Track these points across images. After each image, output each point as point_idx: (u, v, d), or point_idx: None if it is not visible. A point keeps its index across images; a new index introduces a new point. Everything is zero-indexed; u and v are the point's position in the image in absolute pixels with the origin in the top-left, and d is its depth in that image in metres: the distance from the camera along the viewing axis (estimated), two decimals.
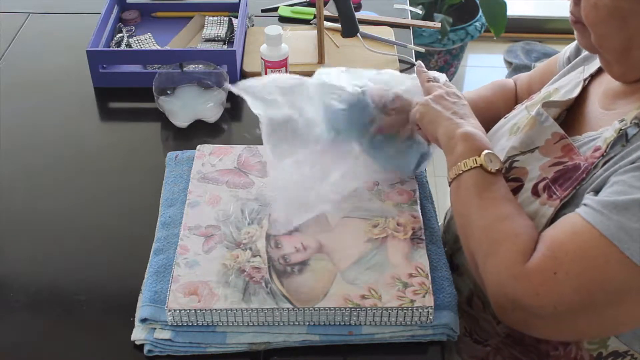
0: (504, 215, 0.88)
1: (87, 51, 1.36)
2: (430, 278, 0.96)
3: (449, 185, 0.95)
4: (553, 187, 0.89)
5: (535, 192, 0.91)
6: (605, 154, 0.85)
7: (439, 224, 1.10)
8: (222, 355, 0.92)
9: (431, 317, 0.92)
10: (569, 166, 0.89)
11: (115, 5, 1.53)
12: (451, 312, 0.95)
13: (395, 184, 1.09)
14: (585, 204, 0.83)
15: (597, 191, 0.84)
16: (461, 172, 0.92)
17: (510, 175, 0.96)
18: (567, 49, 1.13)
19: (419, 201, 1.07)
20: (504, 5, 2.71)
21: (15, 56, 1.49)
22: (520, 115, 1.03)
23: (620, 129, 0.84)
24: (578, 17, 0.87)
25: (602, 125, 0.91)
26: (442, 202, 2.33)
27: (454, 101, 1.00)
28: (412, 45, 1.49)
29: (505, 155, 0.97)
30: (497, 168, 0.91)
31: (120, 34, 1.49)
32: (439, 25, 1.63)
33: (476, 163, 0.91)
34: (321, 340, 0.93)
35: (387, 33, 1.52)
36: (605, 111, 0.93)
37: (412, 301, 0.93)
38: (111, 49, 1.44)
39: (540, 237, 0.85)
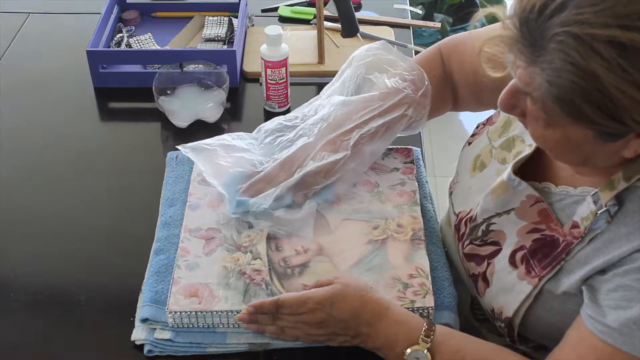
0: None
1: (87, 51, 1.36)
2: (430, 279, 0.96)
3: None
4: (532, 262, 0.86)
5: (512, 262, 0.89)
6: (585, 233, 0.81)
7: (439, 226, 1.10)
8: (222, 355, 0.92)
9: (432, 318, 0.92)
10: (547, 238, 0.86)
11: (115, 5, 1.53)
12: (451, 312, 0.95)
13: (395, 185, 1.09)
14: (594, 318, 0.78)
15: (587, 275, 0.80)
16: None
17: (488, 238, 0.93)
18: None
19: (419, 202, 1.07)
20: (504, 6, 2.70)
21: (15, 56, 1.49)
22: (483, 145, 1.00)
23: (597, 213, 0.79)
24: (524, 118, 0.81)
25: (577, 182, 0.86)
26: (442, 202, 2.32)
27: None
28: (412, 45, 1.49)
29: (480, 217, 0.94)
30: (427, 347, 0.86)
31: (120, 34, 1.49)
32: (439, 25, 1.63)
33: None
34: None
35: (387, 33, 1.52)
36: None
37: (412, 302, 0.93)
38: (111, 49, 1.44)
39: None
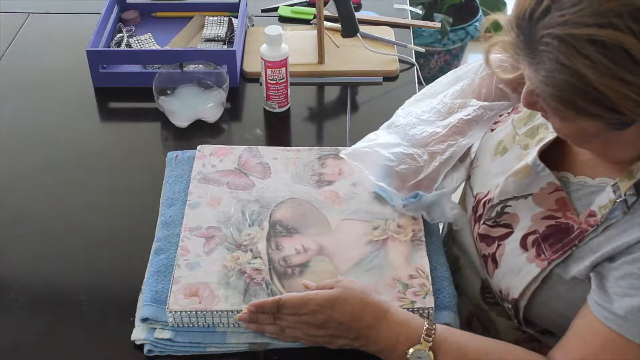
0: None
1: (87, 51, 1.36)
2: (430, 279, 0.96)
3: None
4: (543, 246, 0.88)
5: (523, 245, 0.90)
6: (601, 221, 0.82)
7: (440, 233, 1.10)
8: (222, 355, 0.92)
9: (432, 318, 0.92)
10: (561, 225, 0.87)
11: (115, 5, 1.53)
12: (451, 313, 0.95)
13: None
14: (601, 305, 0.80)
15: (597, 261, 0.82)
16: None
17: (501, 220, 0.94)
18: None
19: None
20: (504, 5, 2.71)
21: (15, 56, 1.49)
22: (506, 132, 1.01)
23: (616, 201, 0.81)
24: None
25: (595, 173, 0.87)
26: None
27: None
28: (412, 45, 1.49)
29: (497, 198, 0.95)
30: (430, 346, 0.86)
31: (120, 34, 1.48)
32: (439, 25, 1.63)
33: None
34: None
35: (387, 33, 1.52)
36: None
37: (412, 302, 0.93)
38: (111, 49, 1.44)
39: (564, 355, 0.83)
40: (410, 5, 1.66)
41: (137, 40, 1.47)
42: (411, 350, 0.86)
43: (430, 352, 0.86)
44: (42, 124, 1.32)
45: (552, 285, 0.87)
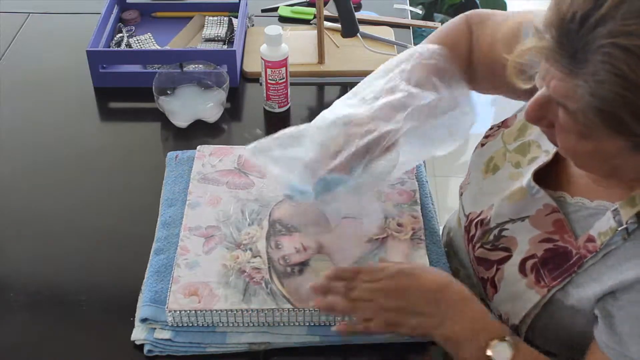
0: None
1: (87, 51, 1.36)
2: None
3: None
4: (542, 271, 0.86)
5: (522, 270, 0.88)
6: (600, 248, 0.80)
7: (439, 228, 1.10)
8: (222, 355, 0.92)
9: None
10: (559, 248, 0.85)
11: (115, 5, 1.53)
12: None
13: (395, 184, 1.09)
14: (614, 348, 0.78)
15: (599, 295, 0.80)
16: None
17: (499, 243, 0.93)
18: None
19: (419, 201, 1.07)
20: (504, 6, 2.70)
21: (15, 56, 1.49)
22: (497, 148, 0.99)
23: (617, 229, 0.79)
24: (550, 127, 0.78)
25: (593, 195, 0.85)
26: (442, 202, 2.33)
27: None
28: (412, 45, 1.49)
29: (494, 221, 0.93)
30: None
31: (120, 34, 1.49)
32: (439, 25, 1.63)
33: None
34: (321, 340, 0.93)
35: (387, 33, 1.52)
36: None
37: None
38: (111, 49, 1.44)
39: None
40: (410, 5, 1.66)
41: (137, 40, 1.47)
42: (495, 341, 0.82)
43: (511, 348, 0.82)
44: (42, 124, 1.32)
45: (554, 311, 0.86)
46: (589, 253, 0.81)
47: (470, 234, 0.98)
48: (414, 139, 0.95)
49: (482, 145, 1.04)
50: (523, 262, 0.89)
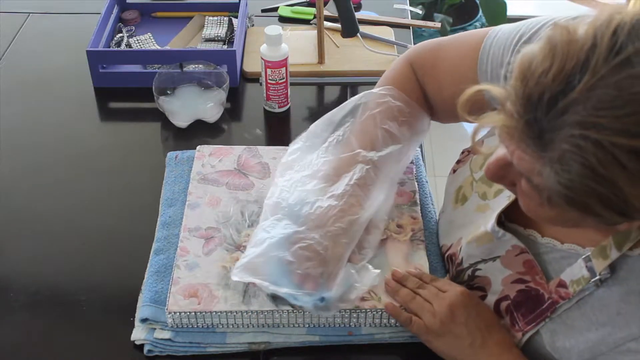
0: None
1: (87, 51, 1.36)
2: None
3: None
4: (516, 315, 0.86)
5: (497, 311, 0.89)
6: (573, 295, 0.80)
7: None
8: (222, 355, 0.92)
9: None
10: (532, 290, 0.85)
11: (115, 5, 1.53)
12: None
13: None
14: None
15: (576, 350, 0.80)
16: None
17: (474, 283, 0.93)
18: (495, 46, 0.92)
19: (419, 202, 1.07)
20: (504, 5, 2.71)
21: (15, 56, 1.49)
22: (465, 176, 0.99)
23: (590, 280, 0.78)
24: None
25: (564, 237, 0.83)
26: (442, 202, 2.33)
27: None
28: (412, 45, 1.49)
29: (466, 262, 0.93)
30: None
31: (120, 34, 1.49)
32: (439, 25, 1.63)
33: None
34: (321, 340, 0.93)
35: (387, 33, 1.52)
36: None
37: None
38: (111, 49, 1.44)
39: None
40: (410, 5, 1.66)
41: (137, 40, 1.47)
42: None
43: None
44: (42, 124, 1.33)
45: (533, 350, 0.86)
46: (561, 299, 0.81)
47: (446, 268, 0.99)
48: (384, 185, 0.99)
49: (454, 171, 1.03)
50: (497, 303, 0.89)
